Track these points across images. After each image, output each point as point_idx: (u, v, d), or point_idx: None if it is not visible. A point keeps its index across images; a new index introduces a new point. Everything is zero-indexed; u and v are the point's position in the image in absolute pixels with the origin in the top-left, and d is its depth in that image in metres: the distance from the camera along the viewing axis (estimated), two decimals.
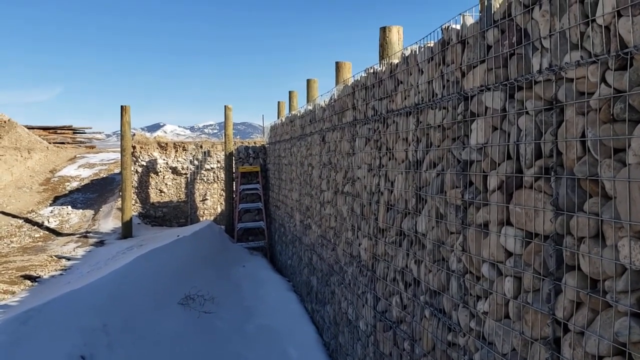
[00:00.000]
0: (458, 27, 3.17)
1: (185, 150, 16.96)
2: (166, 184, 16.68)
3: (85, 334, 5.48)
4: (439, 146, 3.41)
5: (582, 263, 2.09)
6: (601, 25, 1.99)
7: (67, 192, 19.50)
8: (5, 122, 24.58)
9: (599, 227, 2.02)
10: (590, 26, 2.06)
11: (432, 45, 3.55)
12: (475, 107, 2.96)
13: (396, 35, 5.18)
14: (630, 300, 1.83)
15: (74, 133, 31.58)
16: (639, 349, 1.80)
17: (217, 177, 16.96)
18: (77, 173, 21.74)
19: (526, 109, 2.47)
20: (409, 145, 3.93)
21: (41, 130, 29.02)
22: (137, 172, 16.33)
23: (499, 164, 2.69)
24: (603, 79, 2.00)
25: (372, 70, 4.89)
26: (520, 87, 2.53)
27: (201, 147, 17.11)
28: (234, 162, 14.64)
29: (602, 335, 1.94)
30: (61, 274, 10.76)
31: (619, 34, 1.90)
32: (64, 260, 12.03)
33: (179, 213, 16.76)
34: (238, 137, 19.33)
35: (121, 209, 14.53)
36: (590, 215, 2.05)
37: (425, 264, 3.60)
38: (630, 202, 1.85)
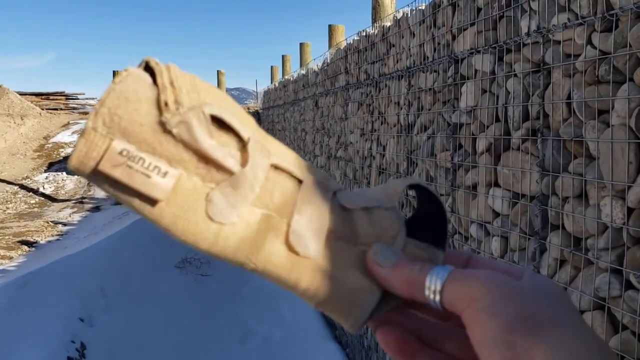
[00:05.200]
0: None
1: None
2: None
3: (82, 296, 5.57)
4: (429, 109, 3.44)
5: (566, 222, 2.15)
6: None
7: (61, 158, 19.47)
8: None
9: (582, 187, 2.07)
10: None
11: (423, 7, 3.54)
12: (465, 70, 2.98)
13: None
14: (611, 257, 1.89)
15: (66, 99, 31.32)
16: (617, 303, 1.87)
17: None
18: (71, 139, 21.67)
19: (514, 71, 2.49)
20: (401, 109, 3.95)
21: (33, 97, 28.77)
22: None
23: (487, 127, 2.73)
24: (589, 41, 2.02)
25: (364, 34, 4.88)
26: (509, 49, 2.54)
27: None
28: None
29: (584, 291, 2.01)
30: (58, 239, 10.85)
31: None
32: (60, 225, 12.11)
33: None
34: None
35: None
36: (574, 176, 2.10)
37: None
38: (613, 162, 1.89)
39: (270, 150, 0.39)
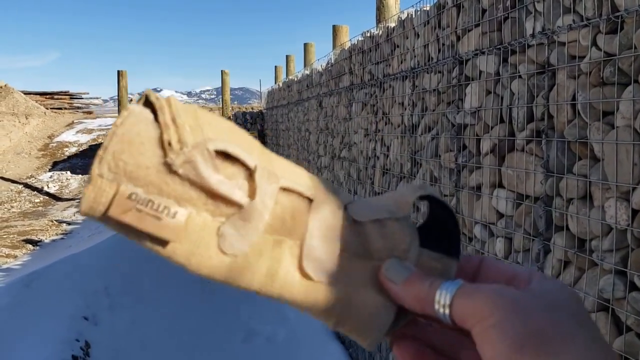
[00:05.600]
0: None
1: None
2: None
3: (87, 295, 5.59)
4: (434, 110, 3.44)
5: (570, 223, 2.15)
6: None
7: (65, 157, 19.53)
8: (1, 87, 24.44)
9: (587, 188, 2.08)
10: None
11: (428, 8, 3.55)
12: (469, 71, 2.98)
13: None
14: (615, 258, 1.89)
15: (71, 98, 31.41)
16: (621, 305, 1.87)
17: None
18: (76, 138, 21.73)
19: (519, 72, 2.49)
20: (405, 109, 3.96)
21: (38, 96, 28.86)
22: None
23: (492, 128, 2.73)
24: (594, 43, 2.02)
25: (369, 34, 4.88)
26: (514, 51, 2.55)
27: None
28: None
29: (588, 292, 2.01)
30: (62, 238, 10.88)
31: None
32: (64, 224, 12.15)
33: None
34: (236, 102, 19.28)
35: None
36: (579, 177, 2.10)
37: None
38: (617, 164, 1.89)
39: (278, 173, 0.39)
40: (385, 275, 0.40)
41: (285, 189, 0.39)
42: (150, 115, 0.36)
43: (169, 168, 0.35)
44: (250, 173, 0.38)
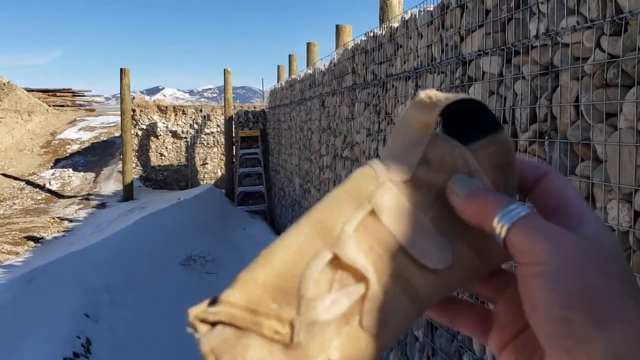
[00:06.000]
0: None
1: (185, 114, 16.92)
2: (166, 148, 16.71)
3: (88, 293, 5.60)
4: None
5: None
6: None
7: (68, 154, 19.56)
8: (4, 84, 24.48)
9: (589, 190, 2.08)
10: None
11: (431, 9, 3.55)
12: (473, 71, 2.98)
13: None
14: None
15: (73, 96, 31.46)
16: None
17: (217, 142, 16.96)
18: (78, 136, 21.76)
19: (522, 73, 2.49)
20: None
21: (41, 93, 28.91)
22: (137, 135, 16.33)
23: None
24: (598, 44, 2.03)
25: (372, 34, 4.88)
26: (517, 52, 2.55)
27: (201, 111, 17.06)
28: (233, 126, 14.63)
29: None
30: (64, 235, 10.90)
31: None
32: (66, 222, 12.17)
33: (180, 177, 16.83)
34: (238, 101, 19.24)
35: (122, 172, 14.60)
36: (581, 179, 2.10)
37: None
38: (620, 165, 1.90)
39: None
40: (451, 187, 0.38)
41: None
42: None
43: None
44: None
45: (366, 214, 0.37)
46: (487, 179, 0.39)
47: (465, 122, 0.40)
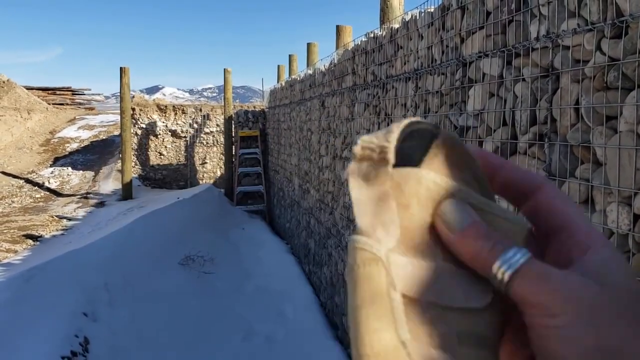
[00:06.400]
0: None
1: (184, 113, 16.91)
2: (166, 147, 16.70)
3: (87, 291, 5.59)
4: (436, 112, 3.45)
5: None
6: None
7: (67, 153, 19.55)
8: (4, 82, 24.46)
9: (589, 192, 2.08)
10: None
11: (432, 10, 3.55)
12: (473, 73, 2.98)
13: None
14: None
15: (73, 94, 31.46)
16: None
17: (217, 141, 16.96)
18: (77, 134, 21.75)
19: (523, 75, 2.50)
20: (408, 110, 3.96)
21: (40, 91, 28.90)
22: (136, 134, 16.32)
23: (494, 130, 2.73)
24: (598, 47, 2.03)
25: (372, 35, 4.88)
26: (518, 54, 2.55)
27: (200, 110, 17.06)
28: (233, 126, 14.62)
29: None
30: (62, 234, 10.89)
31: (615, 2, 1.92)
32: (65, 220, 12.16)
33: (179, 176, 16.83)
34: (237, 100, 19.24)
35: (121, 171, 14.59)
36: (581, 181, 2.11)
37: None
38: (620, 168, 1.90)
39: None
40: (442, 218, 0.35)
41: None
42: None
43: None
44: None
45: (402, 308, 0.35)
46: (457, 183, 0.37)
47: (409, 146, 0.38)
